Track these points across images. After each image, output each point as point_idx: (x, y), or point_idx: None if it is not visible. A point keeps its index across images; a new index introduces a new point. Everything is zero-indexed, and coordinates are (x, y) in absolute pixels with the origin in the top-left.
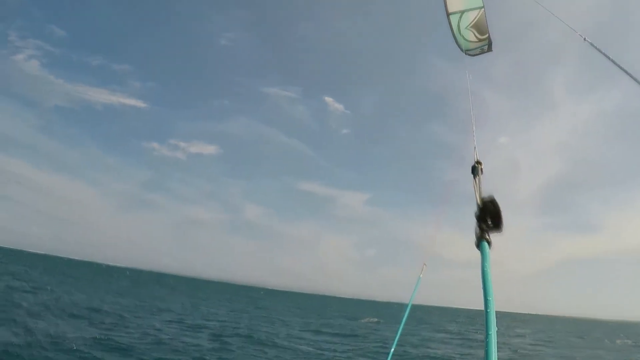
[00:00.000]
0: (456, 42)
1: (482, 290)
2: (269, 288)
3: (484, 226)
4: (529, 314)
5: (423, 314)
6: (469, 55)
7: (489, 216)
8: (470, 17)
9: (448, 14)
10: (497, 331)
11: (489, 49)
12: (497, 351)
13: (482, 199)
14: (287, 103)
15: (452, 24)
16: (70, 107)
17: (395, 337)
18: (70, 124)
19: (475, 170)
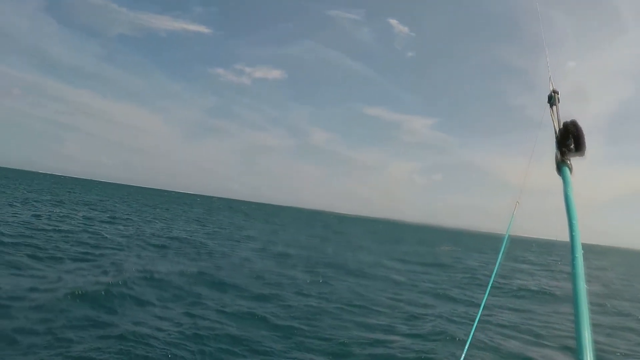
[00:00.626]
0: None
1: (566, 215)
2: (337, 213)
3: (565, 150)
4: (598, 245)
5: (495, 243)
6: None
7: (570, 138)
8: None
9: None
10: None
11: None
12: (585, 274)
13: (564, 122)
14: (352, 26)
15: None
16: (134, 35)
17: (493, 270)
18: (134, 52)
19: (551, 99)
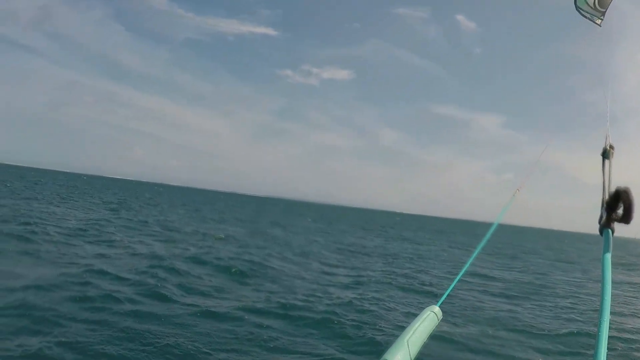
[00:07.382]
0: None
1: (601, 278)
2: (405, 213)
3: (613, 215)
4: None
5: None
6: (579, 11)
7: (621, 207)
8: None
9: None
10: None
11: (599, 21)
12: (608, 338)
13: (617, 188)
14: (418, 23)
15: None
16: (201, 40)
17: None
18: (202, 57)
19: (606, 153)
